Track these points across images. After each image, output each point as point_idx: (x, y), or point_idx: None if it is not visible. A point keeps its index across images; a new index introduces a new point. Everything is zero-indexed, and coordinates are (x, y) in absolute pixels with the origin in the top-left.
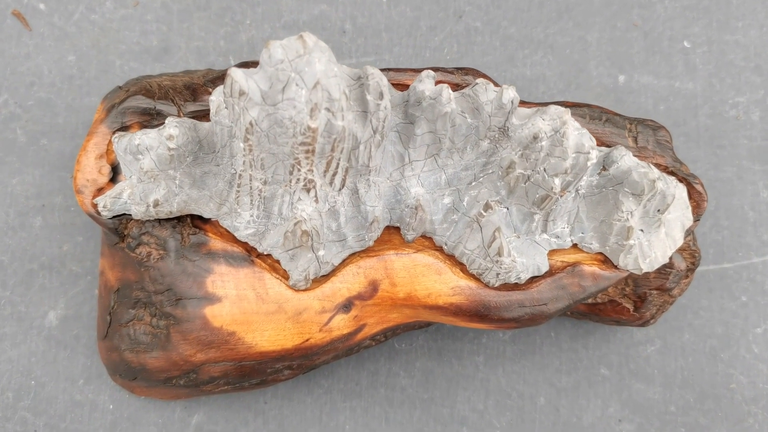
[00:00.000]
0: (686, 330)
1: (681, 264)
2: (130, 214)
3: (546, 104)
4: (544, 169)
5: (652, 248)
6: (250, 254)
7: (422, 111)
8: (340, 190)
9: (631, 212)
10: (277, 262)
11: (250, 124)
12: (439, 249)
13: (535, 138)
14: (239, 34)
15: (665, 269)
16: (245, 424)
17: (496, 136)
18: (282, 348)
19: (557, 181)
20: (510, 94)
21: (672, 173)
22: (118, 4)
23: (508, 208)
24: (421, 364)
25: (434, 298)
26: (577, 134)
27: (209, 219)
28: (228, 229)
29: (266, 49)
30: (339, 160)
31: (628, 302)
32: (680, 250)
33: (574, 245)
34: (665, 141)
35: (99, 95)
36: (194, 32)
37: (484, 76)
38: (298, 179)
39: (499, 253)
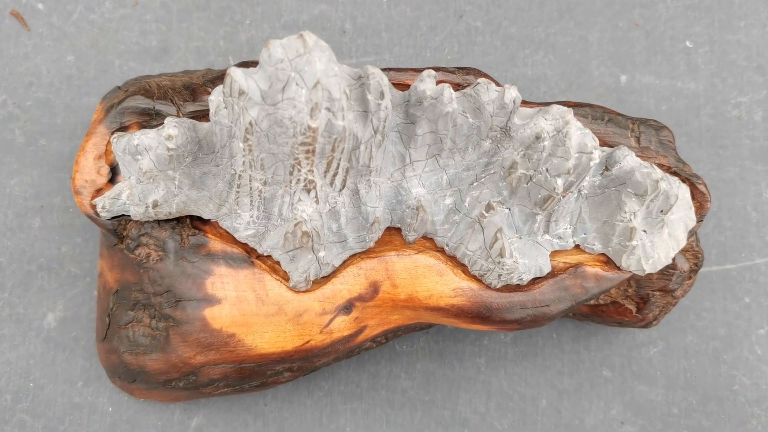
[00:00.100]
0: (689, 331)
1: (684, 265)
2: (129, 215)
3: (548, 104)
4: (547, 170)
5: (655, 249)
6: (250, 255)
7: (423, 111)
8: (340, 190)
9: (634, 213)
10: (278, 263)
11: (250, 124)
12: (441, 250)
13: (538, 138)
14: (239, 34)
15: (668, 270)
16: (245, 426)
17: (498, 136)
18: (282, 350)
19: (560, 182)
20: (512, 93)
21: (675, 173)
22: (117, 3)
23: (510, 209)
24: (422, 365)
25: (436, 299)
26: (579, 134)
27: (209, 220)
28: (228, 230)
29: (266, 49)
30: (339, 160)
31: (630, 303)
32: (683, 251)
33: (577, 246)
34: (668, 141)
35: (98, 95)
36: (194, 32)
37: (486, 75)
38: (299, 180)
39: (501, 254)
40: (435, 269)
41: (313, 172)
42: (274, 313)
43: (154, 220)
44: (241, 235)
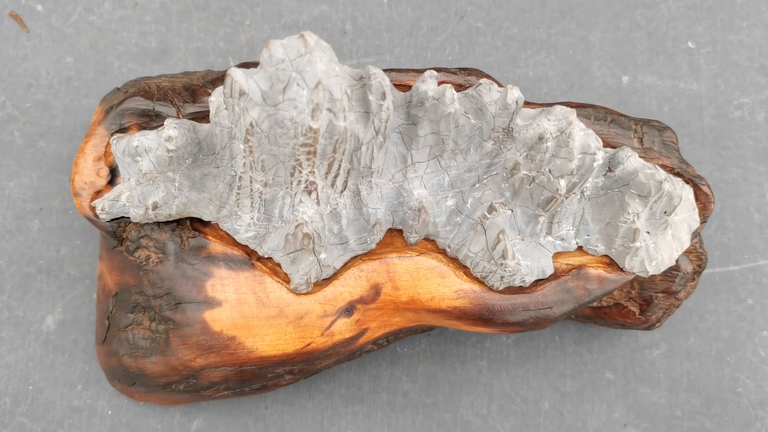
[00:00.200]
0: (692, 333)
1: (687, 266)
2: (129, 217)
3: (550, 105)
4: (550, 171)
5: (658, 250)
6: (251, 257)
7: (425, 111)
8: (341, 192)
9: (637, 214)
10: (278, 265)
11: (251, 125)
12: (443, 252)
13: (541, 139)
14: (239, 35)
15: (671, 272)
16: (246, 429)
17: (500, 137)
18: (283, 352)
19: (563, 183)
20: (514, 94)
21: (678, 174)
22: (117, 5)
23: (512, 210)
24: (423, 368)
25: (437, 301)
26: (582, 135)
27: (209, 222)
28: (228, 232)
29: (267, 49)
30: (341, 161)
31: (633, 305)
32: (687, 252)
33: (579, 248)
34: (671, 142)
35: (97, 97)
36: (193, 33)
37: (488, 76)
38: (299, 181)
39: (504, 256)
40: (437, 271)
41: (314, 173)
42: (275, 315)
43: (154, 222)
44: (242, 237)
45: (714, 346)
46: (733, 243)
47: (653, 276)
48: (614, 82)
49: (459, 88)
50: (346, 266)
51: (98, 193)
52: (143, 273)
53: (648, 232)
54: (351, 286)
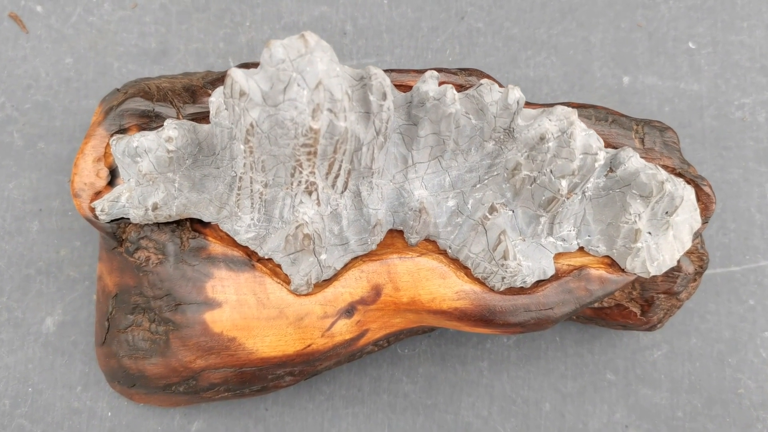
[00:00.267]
0: (693, 334)
1: (689, 267)
2: (129, 218)
3: (551, 105)
4: (551, 171)
5: (660, 251)
6: (251, 258)
7: (426, 112)
8: (342, 192)
9: (638, 214)
10: (278, 266)
11: (251, 125)
12: (443, 253)
13: (542, 139)
14: (239, 36)
15: (673, 272)
16: (246, 431)
17: (501, 137)
18: (283, 354)
19: (564, 183)
20: (516, 94)
21: (680, 175)
22: (116, 5)
23: (513, 211)
24: (424, 369)
25: (438, 302)
26: (584, 135)
27: (209, 223)
28: (228, 232)
29: (267, 49)
30: (341, 162)
31: (635, 306)
32: (688, 252)
33: (581, 248)
34: (672, 142)
35: (97, 98)
36: (193, 34)
37: (488, 76)
38: (300, 182)
39: (505, 257)
40: (438, 272)
41: (314, 173)
42: (275, 316)
43: (154, 223)
44: (242, 238)
45: (715, 347)
46: (734, 244)
47: (654, 277)
48: (615, 83)
49: (460, 88)
50: (346, 267)
51: (98, 194)
52: (143, 274)
53: (649, 233)
54: (351, 287)
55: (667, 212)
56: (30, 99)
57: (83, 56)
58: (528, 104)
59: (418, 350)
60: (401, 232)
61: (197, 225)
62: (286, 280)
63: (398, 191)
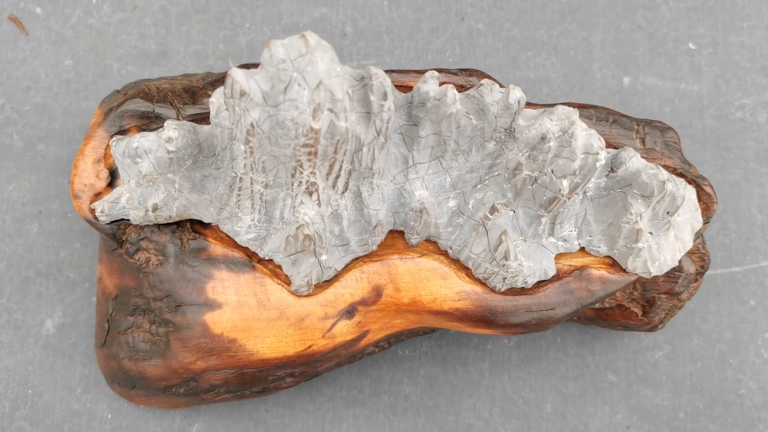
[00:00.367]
0: (694, 335)
1: (690, 267)
2: (129, 219)
3: (552, 105)
4: (552, 171)
5: (661, 251)
6: (251, 259)
7: (426, 112)
8: (342, 193)
9: (640, 214)
10: (279, 267)
11: (251, 125)
12: (444, 253)
13: (543, 138)
14: (238, 38)
15: (674, 273)
16: None
17: (502, 137)
18: (284, 355)
19: (565, 183)
20: (516, 94)
21: (681, 175)
22: (116, 7)
23: (514, 211)
24: (425, 371)
25: (439, 303)
26: (585, 135)
27: (209, 224)
28: (228, 233)
29: (267, 49)
30: (342, 162)
31: (636, 307)
32: (689, 253)
33: (582, 249)
34: (673, 142)
35: (96, 100)
36: (193, 36)
37: (489, 77)
38: (300, 182)
39: (506, 257)
40: (438, 272)
41: (315, 174)
42: (276, 317)
43: (154, 224)
44: (242, 239)
45: (717, 347)
46: (735, 244)
47: (656, 277)
48: (615, 84)
49: (460, 88)
50: (347, 268)
51: (98, 196)
52: (143, 275)
53: (651, 233)
54: (352, 287)
55: (668, 212)
56: (30, 101)
57: (83, 58)
58: (528, 105)
59: (418, 351)
60: (402, 232)
61: (197, 226)
62: (286, 281)
63: (399, 192)
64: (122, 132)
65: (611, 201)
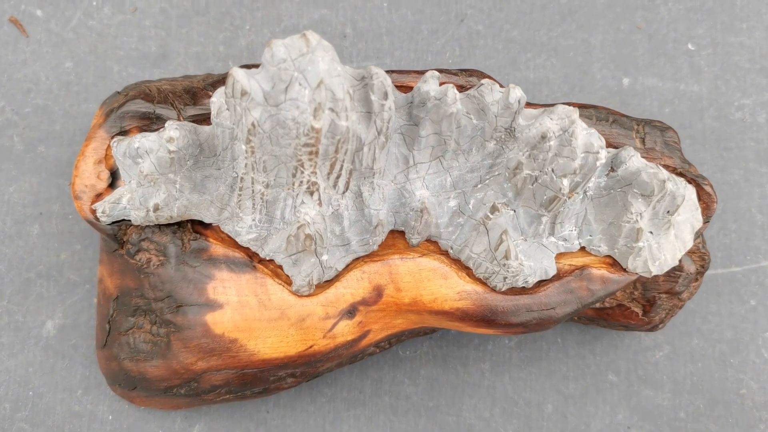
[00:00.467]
0: (695, 335)
1: (690, 267)
2: (130, 220)
3: (552, 105)
4: (552, 170)
5: (661, 250)
6: (252, 260)
7: (427, 112)
8: (343, 193)
9: (640, 214)
10: (280, 267)
11: (252, 125)
12: (445, 253)
13: (544, 137)
14: (239, 39)
15: (674, 272)
16: None
17: (503, 137)
18: (285, 355)
19: (566, 182)
20: (516, 93)
21: (681, 174)
22: (116, 9)
23: (515, 211)
24: (425, 371)
25: (440, 303)
26: (585, 134)
27: (210, 224)
28: (229, 234)
29: (268, 48)
30: (343, 162)
31: (636, 306)
32: (689, 252)
33: (582, 248)
34: (673, 142)
35: (97, 101)
36: (193, 37)
37: (489, 77)
38: (301, 182)
39: (507, 257)
40: (439, 272)
41: (316, 173)
42: (277, 317)
43: (155, 225)
44: (243, 239)
45: (717, 347)
46: (735, 244)
47: (656, 276)
48: (615, 84)
49: (460, 89)
50: (348, 268)
51: (99, 196)
52: (144, 276)
53: (651, 232)
54: (353, 287)
55: (668, 211)
56: (30, 103)
57: (83, 60)
58: (529, 105)
59: (419, 352)
60: (402, 232)
61: (198, 226)
62: (287, 281)
63: (399, 192)
64: (123, 133)
65: (611, 200)
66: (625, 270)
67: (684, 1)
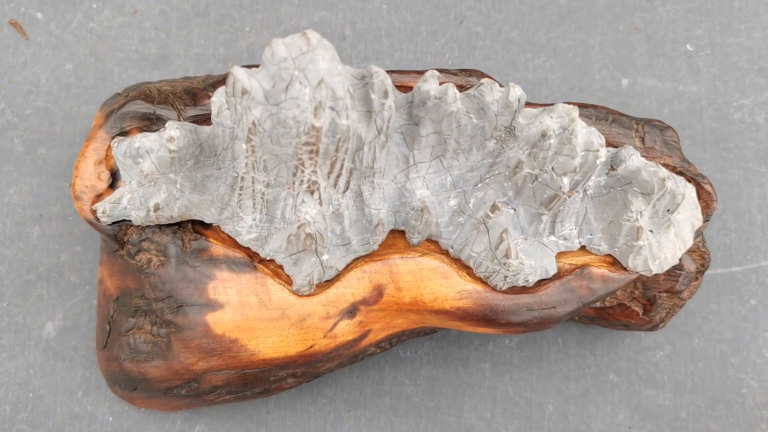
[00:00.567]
0: (696, 335)
1: (691, 266)
2: (130, 221)
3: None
4: (553, 168)
5: (661, 249)
6: (253, 259)
7: (427, 111)
8: (344, 192)
9: (640, 212)
10: (280, 267)
11: (253, 124)
12: (445, 252)
13: (544, 136)
14: (238, 41)
15: (675, 271)
16: None
17: (503, 135)
18: (286, 355)
19: (566, 181)
20: (516, 92)
21: (680, 173)
22: (116, 11)
23: (515, 210)
24: (426, 371)
25: (440, 302)
26: (585, 132)
27: (210, 224)
28: (230, 234)
29: (269, 47)
30: (343, 161)
31: (637, 305)
32: (690, 251)
33: (583, 247)
34: (673, 141)
35: (97, 103)
36: (193, 39)
37: (488, 77)
38: (302, 181)
39: (507, 256)
40: (440, 272)
41: (316, 173)
42: (278, 317)
43: (155, 225)
44: (244, 239)
45: (718, 347)
46: (735, 244)
47: (656, 275)
48: (614, 85)
49: (460, 88)
50: (348, 267)
51: (99, 197)
52: (144, 276)
53: (651, 231)
54: (354, 287)
55: (668, 210)
56: (30, 105)
57: (83, 62)
58: (528, 105)
59: (420, 352)
60: (403, 232)
61: (199, 227)
62: (288, 281)
63: (400, 191)
64: (123, 133)
65: (611, 199)
66: (625, 269)
67: (682, 2)
